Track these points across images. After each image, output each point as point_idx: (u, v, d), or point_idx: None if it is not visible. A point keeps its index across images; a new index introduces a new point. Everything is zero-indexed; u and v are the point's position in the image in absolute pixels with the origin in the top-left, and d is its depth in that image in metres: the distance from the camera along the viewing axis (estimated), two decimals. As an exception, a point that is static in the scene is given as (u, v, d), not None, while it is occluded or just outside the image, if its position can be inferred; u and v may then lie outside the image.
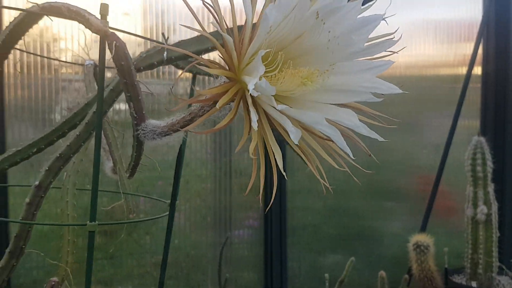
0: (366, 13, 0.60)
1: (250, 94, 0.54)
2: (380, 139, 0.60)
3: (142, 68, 0.94)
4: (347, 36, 0.59)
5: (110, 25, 0.80)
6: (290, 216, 2.80)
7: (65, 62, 2.00)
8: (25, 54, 1.96)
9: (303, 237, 2.93)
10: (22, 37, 0.85)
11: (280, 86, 0.59)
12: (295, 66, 0.61)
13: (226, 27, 0.58)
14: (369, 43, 0.62)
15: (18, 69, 1.87)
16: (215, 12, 0.57)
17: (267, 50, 0.58)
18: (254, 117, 0.52)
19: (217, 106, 0.53)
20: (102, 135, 1.18)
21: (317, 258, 2.95)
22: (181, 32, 2.49)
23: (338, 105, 0.61)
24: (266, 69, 0.57)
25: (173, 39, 2.37)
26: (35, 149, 1.00)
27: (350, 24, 0.59)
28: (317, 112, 0.58)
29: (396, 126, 0.62)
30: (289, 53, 0.63)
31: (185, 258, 2.74)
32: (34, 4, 0.81)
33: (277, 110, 0.54)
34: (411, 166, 3.24)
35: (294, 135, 0.52)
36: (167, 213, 1.02)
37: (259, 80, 0.51)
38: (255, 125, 0.51)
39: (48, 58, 1.94)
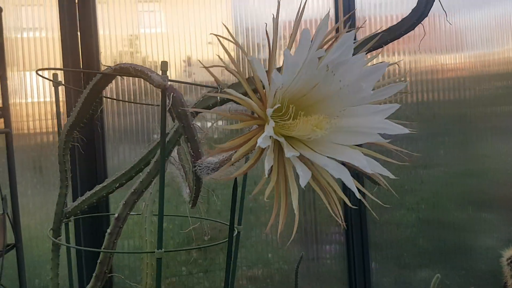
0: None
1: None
2: (392, 176, 0.65)
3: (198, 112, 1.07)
4: (356, 84, 0.66)
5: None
6: (374, 230, 2.78)
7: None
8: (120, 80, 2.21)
9: (390, 251, 2.89)
10: (100, 94, 1.01)
11: (297, 132, 0.67)
12: (312, 113, 0.69)
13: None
14: (384, 87, 0.68)
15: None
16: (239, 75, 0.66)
17: (284, 102, 0.67)
18: (267, 165, 0.60)
19: (236, 155, 0.62)
20: (180, 165, 1.33)
21: (405, 273, 2.89)
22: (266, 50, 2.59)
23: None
24: (284, 117, 0.66)
25: (262, 56, 2.50)
26: (117, 184, 1.16)
27: (358, 73, 0.66)
28: (330, 151, 0.66)
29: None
30: (307, 101, 0.71)
31: (277, 272, 2.83)
32: (108, 67, 0.97)
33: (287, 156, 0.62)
34: (507, 175, 3.06)
35: (302, 178, 0.60)
36: (226, 239, 1.12)
37: (269, 133, 0.59)
38: (266, 172, 0.60)
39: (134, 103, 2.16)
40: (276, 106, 0.63)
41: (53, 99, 1.23)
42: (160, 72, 0.95)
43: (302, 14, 0.66)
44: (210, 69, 0.67)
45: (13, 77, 2.13)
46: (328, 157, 0.66)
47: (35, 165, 2.18)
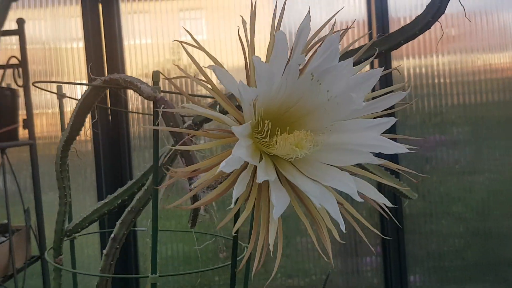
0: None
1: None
2: (388, 204, 0.55)
3: (197, 123, 0.99)
4: (345, 94, 0.56)
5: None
6: (414, 241, 2.62)
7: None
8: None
9: (432, 263, 2.71)
10: (93, 106, 0.96)
11: (278, 151, 0.58)
12: (300, 128, 0.59)
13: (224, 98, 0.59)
14: (380, 97, 0.58)
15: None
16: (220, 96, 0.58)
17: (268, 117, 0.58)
18: (235, 193, 0.51)
19: (200, 181, 0.53)
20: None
21: (449, 288, 2.70)
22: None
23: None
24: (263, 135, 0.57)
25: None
26: (119, 201, 1.10)
27: (347, 81, 0.56)
28: (317, 173, 0.56)
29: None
30: (294, 115, 0.61)
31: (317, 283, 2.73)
32: (97, 79, 0.91)
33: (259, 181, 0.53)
34: None
35: (276, 208, 0.50)
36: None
37: (237, 155, 0.50)
38: (233, 201, 0.51)
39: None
40: (248, 122, 0.54)
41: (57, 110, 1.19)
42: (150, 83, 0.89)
43: (282, 16, 0.56)
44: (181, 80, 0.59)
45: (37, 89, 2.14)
46: (315, 180, 0.56)
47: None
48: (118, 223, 1.01)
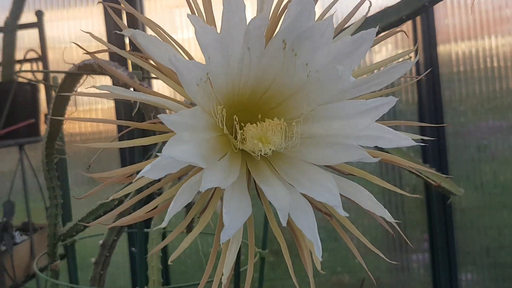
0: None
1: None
2: (389, 218, 0.39)
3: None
4: (329, 67, 0.41)
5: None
6: (465, 237, 2.41)
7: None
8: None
9: (486, 260, 2.48)
10: (69, 96, 0.85)
11: (244, 146, 0.43)
12: (276, 116, 0.45)
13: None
14: (378, 71, 0.42)
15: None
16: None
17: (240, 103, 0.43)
18: (170, 209, 0.38)
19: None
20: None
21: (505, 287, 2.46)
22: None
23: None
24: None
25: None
26: (116, 202, 1.00)
27: (330, 51, 0.41)
28: (295, 175, 0.42)
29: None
30: (270, 100, 0.47)
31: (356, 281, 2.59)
32: (72, 65, 0.80)
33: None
34: None
35: (225, 229, 0.36)
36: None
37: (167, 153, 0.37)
38: (167, 219, 0.37)
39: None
40: (195, 108, 0.40)
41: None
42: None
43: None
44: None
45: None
46: (290, 184, 0.42)
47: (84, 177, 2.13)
48: (107, 229, 0.90)
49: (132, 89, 0.62)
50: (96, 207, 1.01)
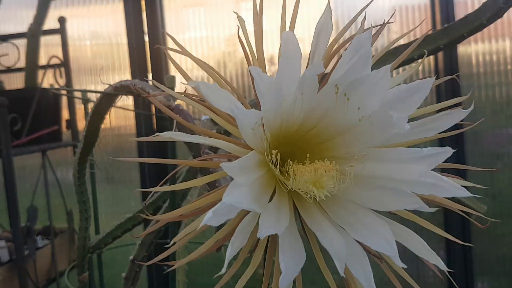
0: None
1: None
2: (442, 266, 0.40)
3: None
4: (382, 113, 0.41)
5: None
6: (483, 244, 2.38)
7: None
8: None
9: (506, 269, 2.46)
10: (106, 115, 0.86)
11: (294, 185, 0.44)
12: (323, 153, 0.46)
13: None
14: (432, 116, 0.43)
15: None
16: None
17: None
18: (230, 250, 0.38)
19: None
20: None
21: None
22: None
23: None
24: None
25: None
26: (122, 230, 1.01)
27: (384, 97, 0.41)
28: (346, 218, 0.42)
29: None
30: (316, 137, 0.47)
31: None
32: (109, 86, 0.81)
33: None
34: None
35: (282, 278, 0.37)
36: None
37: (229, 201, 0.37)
38: (227, 261, 0.38)
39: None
40: (252, 152, 0.41)
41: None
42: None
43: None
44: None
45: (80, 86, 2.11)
46: (342, 227, 0.42)
47: (108, 176, 2.15)
48: (137, 244, 0.91)
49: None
50: (124, 220, 1.02)
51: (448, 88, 2.11)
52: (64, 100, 1.90)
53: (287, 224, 0.41)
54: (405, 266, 0.38)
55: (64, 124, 1.90)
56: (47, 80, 1.92)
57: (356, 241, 0.40)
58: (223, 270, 0.38)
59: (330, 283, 0.43)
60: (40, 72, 1.88)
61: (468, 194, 0.38)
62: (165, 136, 0.40)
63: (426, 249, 0.40)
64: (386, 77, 0.39)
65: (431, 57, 2.14)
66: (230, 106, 0.37)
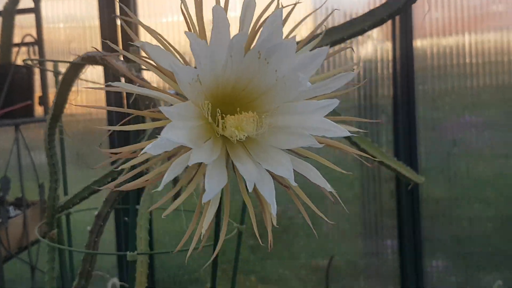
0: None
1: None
2: (329, 188, 0.53)
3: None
4: (293, 74, 0.53)
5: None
6: (433, 226, 2.56)
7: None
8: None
9: (455, 249, 2.64)
10: (72, 84, 0.96)
11: (224, 132, 0.56)
12: (252, 109, 0.57)
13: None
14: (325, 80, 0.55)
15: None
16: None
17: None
18: (165, 177, 0.50)
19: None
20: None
21: (471, 275, 2.62)
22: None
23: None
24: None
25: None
26: (110, 178, 1.11)
27: (293, 61, 0.53)
28: (262, 156, 0.54)
29: None
30: (249, 97, 0.59)
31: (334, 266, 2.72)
32: (77, 56, 0.91)
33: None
34: None
35: (206, 192, 0.49)
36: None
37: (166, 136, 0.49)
38: (163, 183, 0.49)
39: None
40: (187, 102, 0.52)
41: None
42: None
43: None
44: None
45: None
46: (259, 162, 0.54)
47: (78, 153, 2.23)
48: (102, 201, 1.02)
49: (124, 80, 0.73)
50: (91, 182, 1.12)
51: (404, 79, 2.26)
52: (37, 78, 1.98)
53: (215, 158, 0.53)
54: (296, 184, 0.51)
55: (36, 101, 1.97)
56: (21, 57, 1.98)
57: (267, 170, 0.53)
58: (160, 188, 0.50)
59: (248, 206, 0.56)
60: (14, 50, 1.94)
61: (347, 133, 0.50)
62: (116, 85, 0.51)
63: (318, 176, 0.52)
64: (292, 45, 0.51)
65: (389, 48, 2.28)
66: (170, 63, 0.49)
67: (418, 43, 2.35)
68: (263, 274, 2.81)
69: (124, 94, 2.21)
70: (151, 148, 0.48)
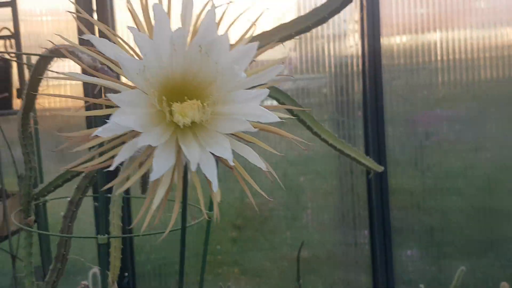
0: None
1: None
2: (264, 168, 0.59)
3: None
4: (230, 66, 0.60)
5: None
6: (403, 217, 2.65)
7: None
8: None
9: (424, 239, 2.73)
10: (42, 77, 1.01)
11: (174, 118, 0.62)
12: (199, 99, 0.64)
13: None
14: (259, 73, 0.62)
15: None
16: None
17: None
18: (116, 159, 0.56)
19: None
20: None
21: (439, 263, 2.73)
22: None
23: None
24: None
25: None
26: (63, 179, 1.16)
27: (229, 54, 0.60)
28: (208, 141, 0.61)
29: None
30: (197, 87, 0.65)
31: (312, 256, 2.80)
32: (45, 49, 0.97)
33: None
34: None
35: (153, 172, 0.55)
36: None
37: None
38: (113, 167, 0.55)
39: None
40: (136, 90, 0.58)
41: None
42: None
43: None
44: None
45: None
46: (204, 146, 0.61)
47: (56, 147, 2.27)
48: (74, 188, 1.07)
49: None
50: (64, 172, 1.17)
51: (371, 74, 2.34)
52: (15, 71, 2.02)
53: (162, 142, 0.60)
54: (233, 164, 0.57)
55: (14, 93, 2.01)
56: (-1, 51, 2.02)
57: (210, 152, 0.59)
58: (111, 168, 0.56)
59: (197, 186, 0.62)
60: (-8, 44, 1.98)
61: (277, 119, 0.57)
62: (70, 75, 0.57)
63: (256, 157, 0.59)
64: (226, 39, 0.58)
65: (359, 45, 2.36)
66: (115, 53, 0.55)
67: (385, 40, 2.44)
68: (245, 265, 2.88)
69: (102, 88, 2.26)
70: (101, 132, 0.54)
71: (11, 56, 1.96)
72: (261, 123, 0.60)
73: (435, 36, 2.48)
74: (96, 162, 0.60)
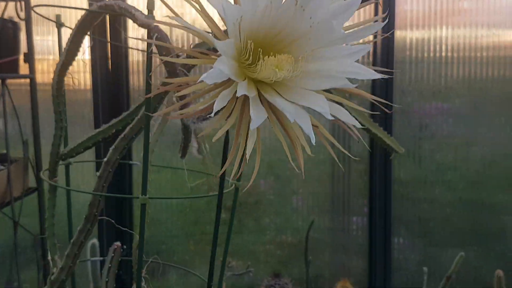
0: None
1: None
2: (358, 125, 0.59)
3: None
4: (327, 22, 0.59)
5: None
6: (402, 206, 2.69)
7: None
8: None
9: (418, 228, 2.78)
10: (87, 32, 0.98)
11: (260, 74, 0.61)
12: (284, 54, 0.63)
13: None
14: (358, 28, 0.61)
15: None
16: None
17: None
18: (216, 104, 0.55)
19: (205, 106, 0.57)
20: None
21: (433, 252, 2.78)
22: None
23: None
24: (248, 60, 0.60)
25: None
26: (114, 130, 1.14)
27: (328, 9, 0.59)
28: (295, 96, 0.60)
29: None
30: (280, 42, 0.64)
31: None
32: (93, 3, 0.94)
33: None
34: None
35: (253, 121, 0.54)
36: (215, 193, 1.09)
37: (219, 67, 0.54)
38: (214, 111, 0.55)
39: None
40: (232, 39, 0.57)
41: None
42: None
43: None
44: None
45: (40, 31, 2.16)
46: (292, 102, 0.60)
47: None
48: (111, 149, 1.05)
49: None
50: (95, 133, 1.15)
51: (383, 66, 2.34)
52: (23, 35, 1.95)
53: (255, 94, 0.59)
54: (332, 118, 0.57)
55: (22, 57, 1.95)
56: (8, 13, 1.95)
57: (302, 107, 0.59)
58: (212, 115, 0.55)
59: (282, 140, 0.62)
60: (1, 5, 1.91)
61: (378, 75, 0.56)
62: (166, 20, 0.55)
63: (348, 116, 0.58)
64: (329, -5, 0.57)
65: (371, 36, 2.37)
66: (223, 4, 0.54)
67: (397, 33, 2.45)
68: (233, 248, 2.89)
69: (109, 56, 2.21)
70: (206, 77, 0.53)
71: (21, 18, 1.89)
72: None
73: (442, 33, 2.51)
74: (200, 107, 0.58)
